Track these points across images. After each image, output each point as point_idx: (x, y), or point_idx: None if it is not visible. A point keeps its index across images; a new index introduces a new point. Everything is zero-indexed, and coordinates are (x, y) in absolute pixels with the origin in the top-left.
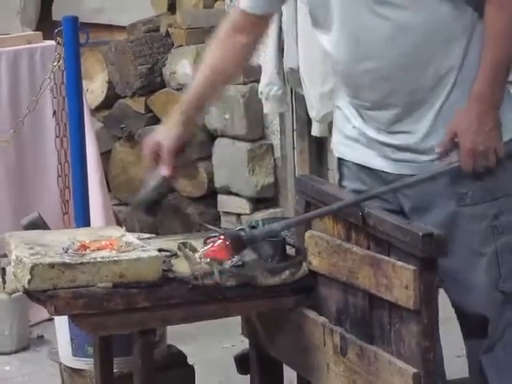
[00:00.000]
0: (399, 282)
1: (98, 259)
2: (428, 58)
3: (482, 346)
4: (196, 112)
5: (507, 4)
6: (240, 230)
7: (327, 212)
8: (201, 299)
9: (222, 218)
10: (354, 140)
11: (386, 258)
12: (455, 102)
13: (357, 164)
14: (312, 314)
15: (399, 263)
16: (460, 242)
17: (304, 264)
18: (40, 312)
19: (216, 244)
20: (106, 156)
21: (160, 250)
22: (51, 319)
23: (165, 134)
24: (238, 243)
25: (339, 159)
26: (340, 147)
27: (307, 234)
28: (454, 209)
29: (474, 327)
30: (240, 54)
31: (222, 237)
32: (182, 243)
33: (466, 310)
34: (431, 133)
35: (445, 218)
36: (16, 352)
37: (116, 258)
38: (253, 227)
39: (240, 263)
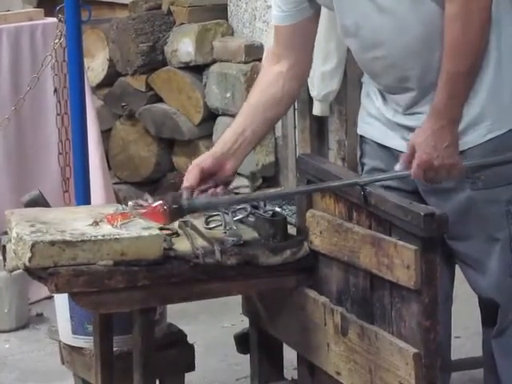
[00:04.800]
0: (400, 261)
1: (99, 237)
2: (434, 43)
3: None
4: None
5: (464, 14)
6: (242, 208)
7: (275, 196)
8: (202, 278)
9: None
10: (375, 118)
11: (388, 237)
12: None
13: (377, 142)
14: (313, 294)
15: (400, 243)
16: (474, 227)
17: (305, 243)
18: (39, 290)
19: (154, 207)
20: (106, 134)
21: (161, 229)
22: (51, 297)
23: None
24: (176, 211)
25: (361, 136)
26: (362, 125)
27: (308, 213)
28: (469, 193)
29: (487, 312)
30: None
31: (162, 201)
32: (183, 222)
33: (480, 294)
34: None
35: (460, 201)
36: (15, 330)
37: (117, 236)
38: (254, 206)
39: (241, 242)
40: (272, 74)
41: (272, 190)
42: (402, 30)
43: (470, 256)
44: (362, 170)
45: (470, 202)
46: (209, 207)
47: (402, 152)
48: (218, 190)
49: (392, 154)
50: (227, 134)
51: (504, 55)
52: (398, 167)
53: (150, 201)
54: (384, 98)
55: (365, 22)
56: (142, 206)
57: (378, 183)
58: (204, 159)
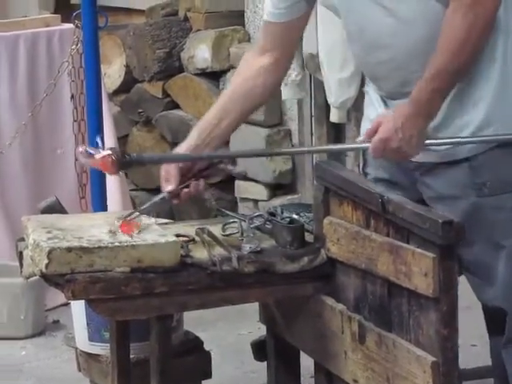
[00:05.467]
0: (418, 269)
1: (116, 244)
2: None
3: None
4: (218, 142)
5: (470, 15)
6: (259, 215)
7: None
8: (219, 285)
9: (239, 204)
10: None
11: (406, 245)
12: (471, 92)
13: None
14: (330, 301)
15: (418, 250)
16: (480, 234)
17: (322, 251)
18: (56, 297)
19: (102, 156)
20: (123, 140)
21: (178, 236)
22: (67, 304)
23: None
24: (123, 162)
25: None
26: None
27: (326, 220)
28: (474, 200)
29: (494, 321)
30: (265, 94)
31: (110, 151)
32: (200, 229)
33: (486, 302)
34: (447, 121)
35: (465, 209)
36: (32, 337)
37: (134, 243)
38: (271, 213)
39: (258, 249)
40: (254, 68)
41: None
42: (406, 32)
43: (475, 264)
44: None
45: (476, 208)
46: (157, 162)
47: (409, 161)
48: (201, 184)
49: (398, 163)
50: (202, 126)
51: (510, 60)
52: (360, 139)
53: (99, 150)
54: (386, 105)
55: (369, 25)
56: (90, 153)
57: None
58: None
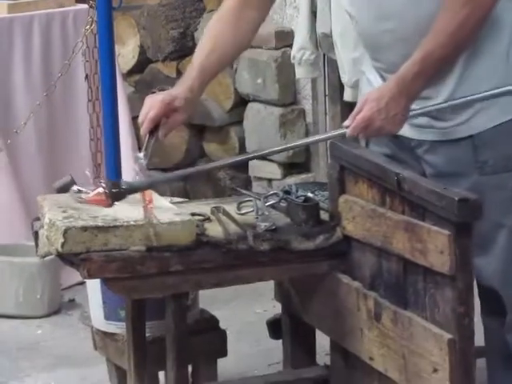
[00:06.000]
0: (434, 246)
1: (131, 222)
2: None
3: (498, 323)
4: (199, 89)
5: (466, 8)
6: (274, 194)
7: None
8: (234, 263)
9: (253, 182)
10: None
11: (421, 222)
12: (476, 71)
13: None
14: (346, 279)
15: (434, 228)
16: None
17: (338, 229)
18: (71, 275)
19: (96, 193)
20: (137, 121)
21: (193, 214)
22: (82, 283)
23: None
24: (116, 193)
25: None
26: None
27: (341, 198)
28: (476, 178)
29: (488, 301)
30: (251, 28)
31: (102, 186)
32: (215, 207)
33: (481, 282)
34: (451, 99)
35: (467, 186)
36: (48, 316)
37: (149, 222)
38: (286, 192)
39: (274, 228)
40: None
41: (207, 165)
42: (417, 5)
43: (475, 242)
44: None
45: (477, 187)
46: (148, 187)
47: (409, 139)
48: (160, 133)
49: (397, 139)
50: (195, 75)
51: None
52: (346, 123)
53: (91, 188)
54: (384, 82)
55: None
56: (83, 192)
57: None
58: (176, 98)
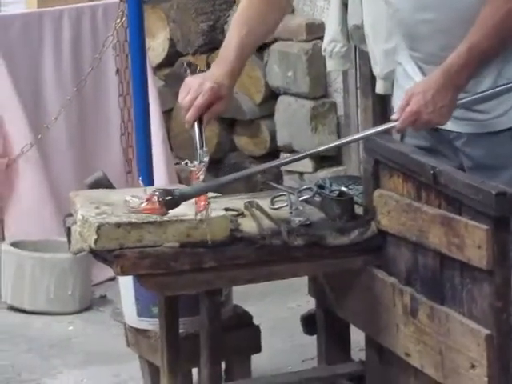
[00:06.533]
0: (471, 241)
1: (165, 219)
2: None
3: None
4: (238, 74)
5: (507, 2)
6: (307, 188)
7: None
8: (268, 259)
9: (284, 176)
10: None
11: (458, 217)
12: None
13: None
14: (381, 274)
15: (472, 222)
16: None
17: (373, 223)
18: (102, 271)
19: (149, 202)
20: (167, 115)
21: (227, 210)
22: (113, 279)
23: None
24: (170, 201)
25: None
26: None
27: (376, 193)
28: None
29: None
30: (280, 15)
31: (155, 194)
32: (249, 202)
33: None
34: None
35: (507, 179)
36: (79, 312)
37: (183, 218)
38: (320, 186)
39: (308, 223)
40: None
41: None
42: None
43: None
44: None
45: None
46: (201, 193)
47: (448, 131)
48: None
49: (438, 133)
50: (233, 58)
51: None
52: (394, 116)
53: (145, 197)
54: (423, 73)
55: None
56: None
57: None
58: (223, 85)
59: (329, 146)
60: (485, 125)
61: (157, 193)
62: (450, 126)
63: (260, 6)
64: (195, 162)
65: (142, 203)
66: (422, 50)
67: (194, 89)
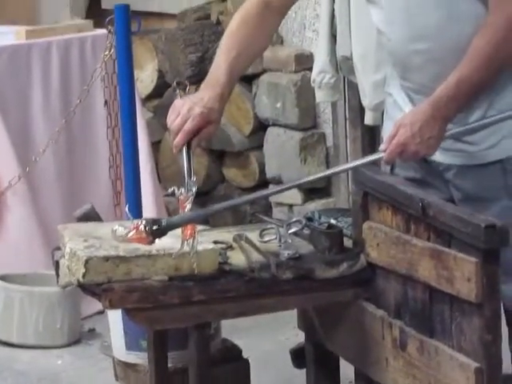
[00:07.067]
0: (461, 274)
1: (153, 252)
2: None
3: None
4: (228, 96)
5: (500, 33)
6: (296, 221)
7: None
8: (257, 292)
9: (273, 208)
10: None
11: (447, 249)
12: (507, 96)
13: None
14: (370, 307)
15: (461, 255)
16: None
17: (362, 256)
18: (91, 305)
19: (136, 231)
20: (156, 146)
21: (215, 242)
22: (102, 312)
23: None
24: (157, 231)
25: None
26: None
27: (365, 225)
28: (506, 203)
29: None
30: (273, 31)
31: (141, 223)
32: (238, 235)
33: (509, 309)
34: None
35: (497, 211)
36: (68, 346)
37: (171, 251)
38: (309, 219)
39: (297, 255)
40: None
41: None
42: (453, 27)
43: (506, 268)
44: None
45: (508, 211)
46: (188, 222)
47: (438, 162)
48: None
49: (428, 164)
50: (224, 80)
51: None
52: (382, 147)
53: (132, 226)
54: (413, 104)
55: (417, 15)
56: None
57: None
58: (213, 110)
59: (317, 176)
60: (474, 156)
61: (143, 222)
62: (439, 157)
63: (248, 30)
64: (182, 190)
65: (128, 232)
66: (413, 80)
67: (183, 113)
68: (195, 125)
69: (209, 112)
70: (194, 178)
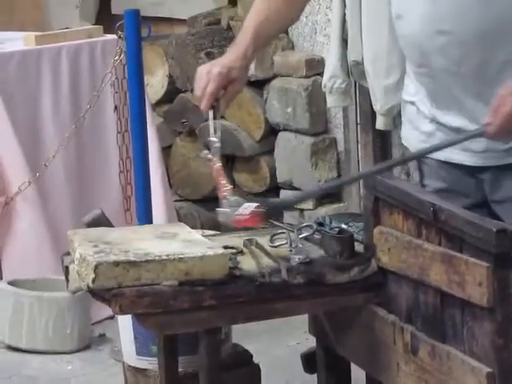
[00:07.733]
0: (472, 278)
1: (164, 257)
2: (510, 31)
3: None
4: (253, 55)
5: None
6: (307, 226)
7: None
8: (268, 297)
9: (284, 213)
10: (431, 135)
11: (459, 254)
12: None
13: (436, 160)
14: (382, 312)
15: (472, 260)
16: None
17: (373, 261)
18: (101, 310)
19: (252, 212)
20: (166, 151)
21: (226, 247)
22: (112, 317)
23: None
24: (271, 212)
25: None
26: (418, 144)
27: (376, 230)
28: None
29: None
30: (302, 3)
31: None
32: (248, 240)
33: None
34: None
35: None
36: (78, 351)
37: (181, 256)
38: (320, 224)
39: (308, 260)
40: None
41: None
42: (481, 7)
43: None
44: None
45: None
46: (301, 201)
47: (468, 166)
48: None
49: (454, 169)
50: (249, 41)
51: None
52: (486, 120)
53: (246, 207)
54: (436, 103)
55: None
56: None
57: None
58: (233, 68)
59: (382, 166)
60: (502, 156)
61: (258, 205)
62: (467, 160)
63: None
64: (206, 151)
65: (239, 215)
66: (432, 65)
67: (203, 77)
68: (216, 86)
69: (228, 71)
70: (218, 133)
